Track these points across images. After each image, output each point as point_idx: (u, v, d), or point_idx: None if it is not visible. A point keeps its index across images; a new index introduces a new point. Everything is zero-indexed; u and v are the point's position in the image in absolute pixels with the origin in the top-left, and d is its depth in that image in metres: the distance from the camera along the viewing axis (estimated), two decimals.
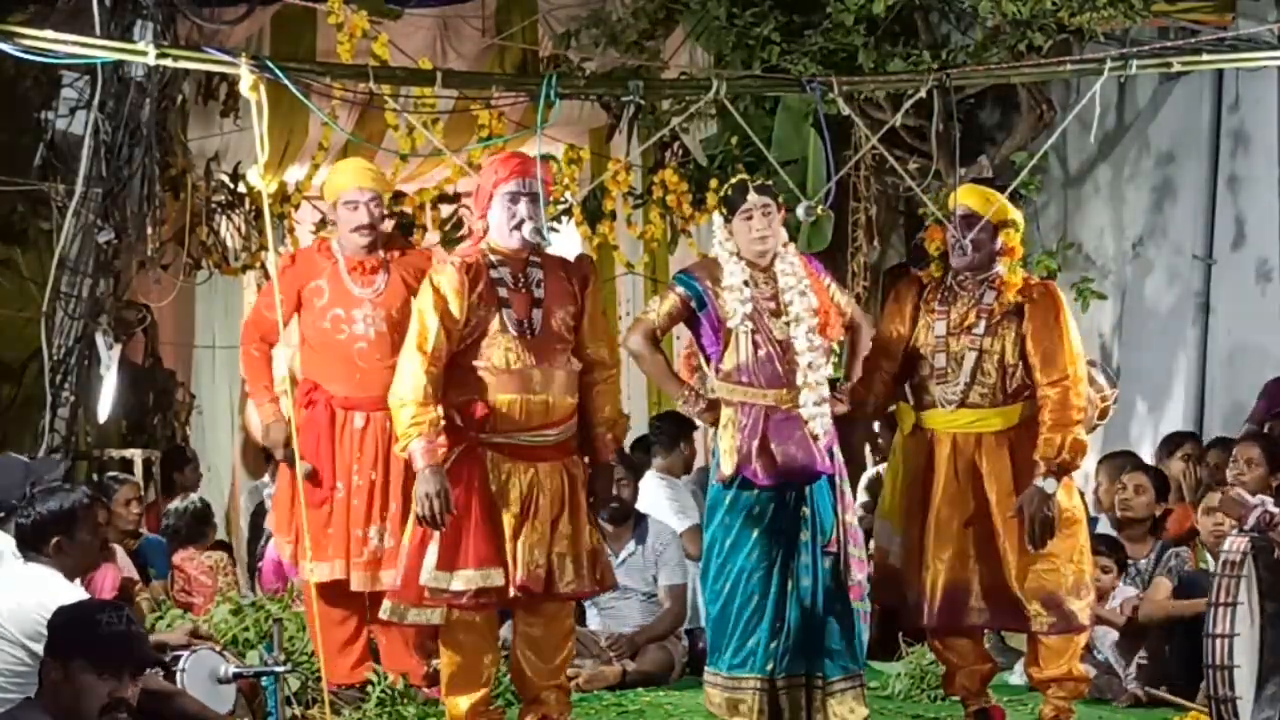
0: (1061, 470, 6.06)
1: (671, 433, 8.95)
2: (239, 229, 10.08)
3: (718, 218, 6.46)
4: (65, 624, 4.45)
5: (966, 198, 6.36)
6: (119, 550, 7.48)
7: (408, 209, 10.36)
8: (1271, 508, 6.04)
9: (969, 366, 6.18)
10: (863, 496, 8.91)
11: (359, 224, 6.77)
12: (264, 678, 5.97)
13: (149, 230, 8.71)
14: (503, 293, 5.90)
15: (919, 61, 9.23)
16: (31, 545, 5.52)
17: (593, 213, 10.73)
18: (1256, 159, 9.21)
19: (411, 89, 8.50)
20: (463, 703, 5.95)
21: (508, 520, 5.83)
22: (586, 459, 6.09)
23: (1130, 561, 7.58)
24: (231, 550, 9.68)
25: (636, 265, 11.23)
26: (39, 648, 4.68)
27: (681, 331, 6.57)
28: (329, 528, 6.71)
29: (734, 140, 10.17)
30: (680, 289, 6.33)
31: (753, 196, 6.29)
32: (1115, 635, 7.31)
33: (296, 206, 10.36)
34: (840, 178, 7.90)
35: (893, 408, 6.54)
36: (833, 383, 6.42)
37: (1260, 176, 9.18)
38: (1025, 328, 6.17)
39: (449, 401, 5.83)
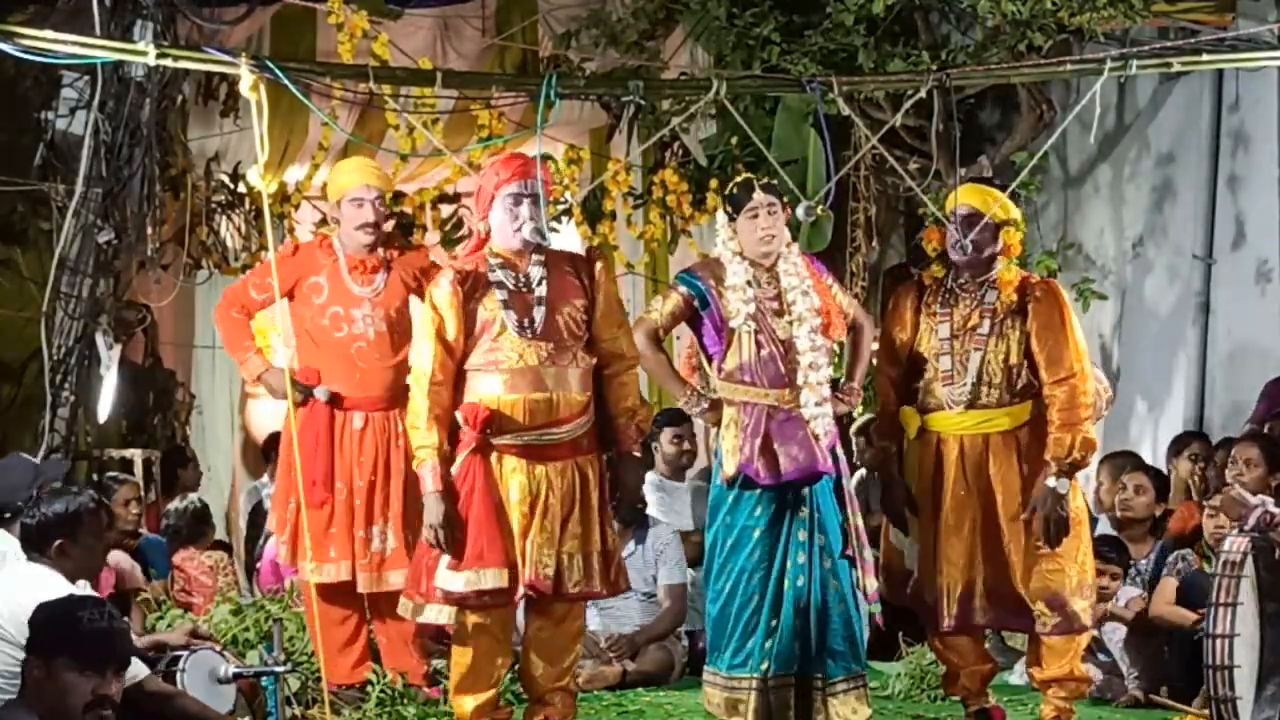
0: (1073, 469, 6.06)
1: None
2: (239, 229, 10.08)
3: (721, 216, 6.45)
4: (46, 621, 4.42)
5: (968, 197, 6.35)
6: (124, 554, 7.45)
7: (408, 209, 10.36)
8: (1272, 508, 6.05)
9: (975, 367, 6.17)
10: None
11: (364, 221, 6.77)
12: (264, 678, 5.96)
13: (149, 230, 8.71)
14: (503, 295, 5.89)
15: (919, 61, 9.23)
16: (34, 546, 5.52)
17: (593, 213, 10.72)
18: (1256, 159, 9.21)
19: (411, 89, 8.50)
20: (469, 703, 5.94)
21: (516, 520, 5.82)
22: (606, 455, 6.05)
23: (1130, 562, 7.59)
24: (232, 550, 9.68)
25: (636, 265, 11.23)
26: None
27: (682, 331, 6.56)
28: (331, 528, 6.71)
29: (734, 140, 10.17)
30: (683, 288, 6.32)
31: (759, 195, 6.28)
32: (1123, 632, 7.31)
33: (296, 206, 10.36)
34: (840, 178, 7.90)
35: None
36: (834, 383, 6.42)
37: (1260, 176, 9.18)
38: (1029, 326, 6.17)
39: (457, 403, 5.85)
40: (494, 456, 5.85)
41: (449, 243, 9.99)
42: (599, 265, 6.12)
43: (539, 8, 10.68)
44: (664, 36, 10.59)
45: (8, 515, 5.81)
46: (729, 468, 6.18)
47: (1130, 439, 9.53)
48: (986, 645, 6.73)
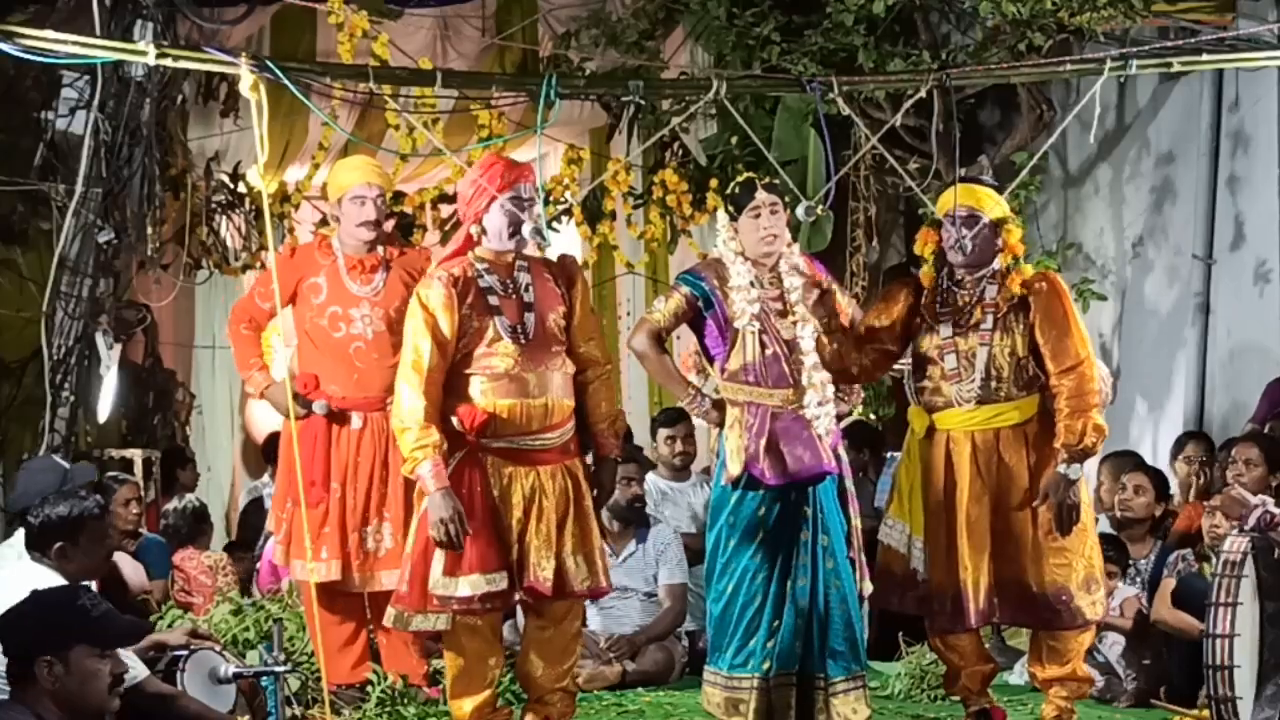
0: (1084, 455, 6.05)
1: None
2: (239, 229, 10.09)
3: (722, 216, 6.45)
4: (51, 616, 4.39)
5: (964, 198, 6.34)
6: (128, 557, 7.44)
7: (408, 209, 10.37)
8: (1272, 508, 6.04)
9: (982, 363, 6.17)
10: None
11: (365, 219, 6.76)
12: (264, 678, 5.96)
13: (149, 230, 8.72)
14: (493, 300, 5.88)
15: (919, 61, 9.23)
16: (36, 546, 5.53)
17: (593, 213, 10.73)
18: (1256, 159, 9.20)
19: (411, 89, 8.50)
20: (466, 705, 5.94)
21: (512, 524, 5.82)
22: (588, 457, 6.09)
23: (1130, 561, 7.59)
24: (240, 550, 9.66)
25: (637, 265, 11.24)
26: None
27: (683, 331, 6.56)
28: (324, 528, 6.70)
29: (734, 140, 10.17)
30: (686, 289, 6.32)
31: (761, 194, 6.28)
32: (1120, 638, 7.31)
33: (296, 206, 10.38)
34: (840, 178, 7.89)
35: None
36: (835, 383, 6.41)
37: (1260, 176, 9.17)
38: (1032, 319, 6.16)
39: (449, 409, 5.82)
40: (489, 461, 5.85)
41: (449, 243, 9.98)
42: (576, 272, 6.14)
43: (539, 8, 10.68)
44: (664, 36, 10.59)
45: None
46: (734, 468, 6.18)
47: (1130, 439, 9.53)
48: (986, 645, 6.73)
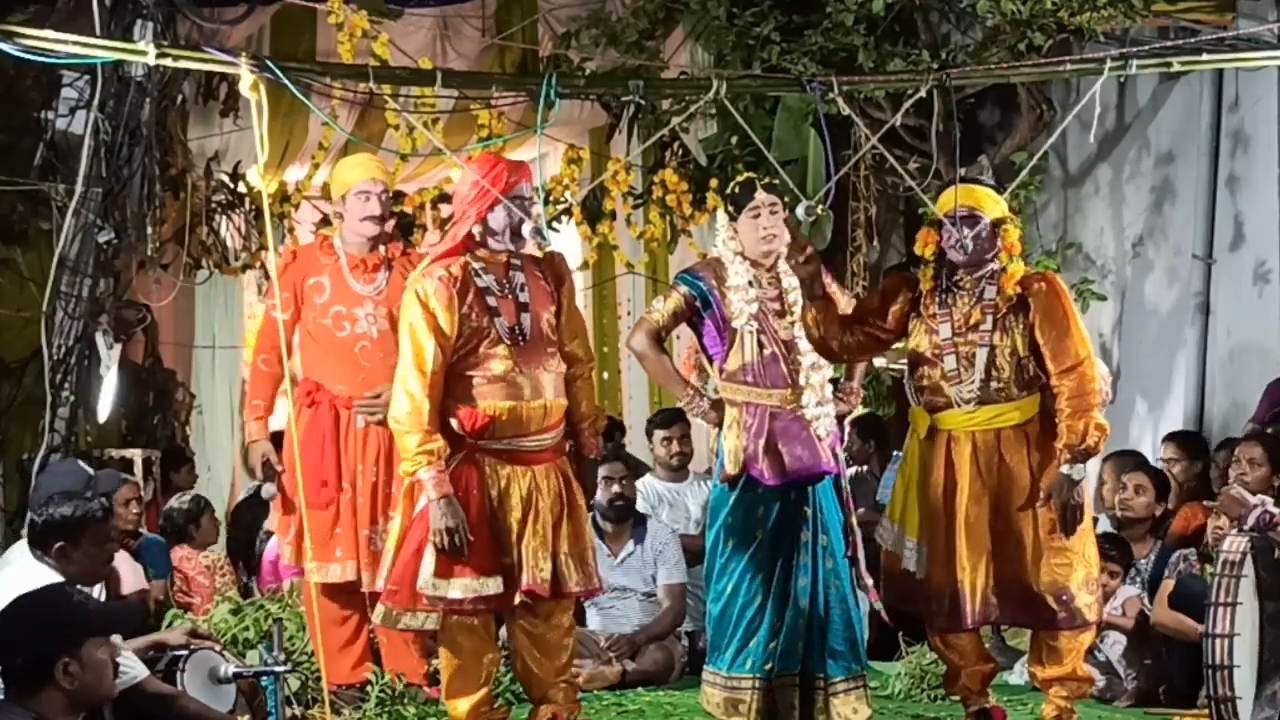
0: (1086, 455, 6.04)
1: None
2: (239, 229, 10.10)
3: (722, 215, 6.45)
4: (57, 617, 4.36)
5: (964, 198, 6.33)
6: (129, 559, 7.42)
7: (408, 209, 10.38)
8: (1272, 508, 6.04)
9: (982, 363, 6.16)
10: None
11: (370, 214, 6.76)
12: (264, 678, 5.97)
13: (149, 230, 8.72)
14: (491, 301, 5.87)
15: (919, 61, 9.23)
16: (38, 544, 5.53)
17: (593, 213, 10.73)
18: (1256, 159, 9.20)
19: (411, 89, 8.50)
20: (462, 704, 5.94)
21: (511, 525, 5.82)
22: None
23: (1131, 561, 7.59)
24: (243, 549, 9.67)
25: (637, 265, 11.24)
26: None
27: (683, 331, 6.56)
28: (336, 528, 6.70)
29: (734, 140, 10.17)
30: (685, 288, 6.32)
31: (761, 194, 6.28)
32: (1121, 638, 7.31)
33: (296, 206, 10.38)
34: (840, 178, 7.89)
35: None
36: (834, 382, 6.42)
37: (1260, 176, 9.16)
38: (1031, 319, 6.15)
39: (446, 410, 5.80)
40: (485, 463, 5.85)
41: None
42: (565, 270, 6.13)
43: (539, 8, 10.69)
44: (664, 36, 10.59)
45: None
46: (732, 468, 6.18)
47: (1130, 439, 9.52)
48: (986, 645, 6.72)
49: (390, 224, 7.04)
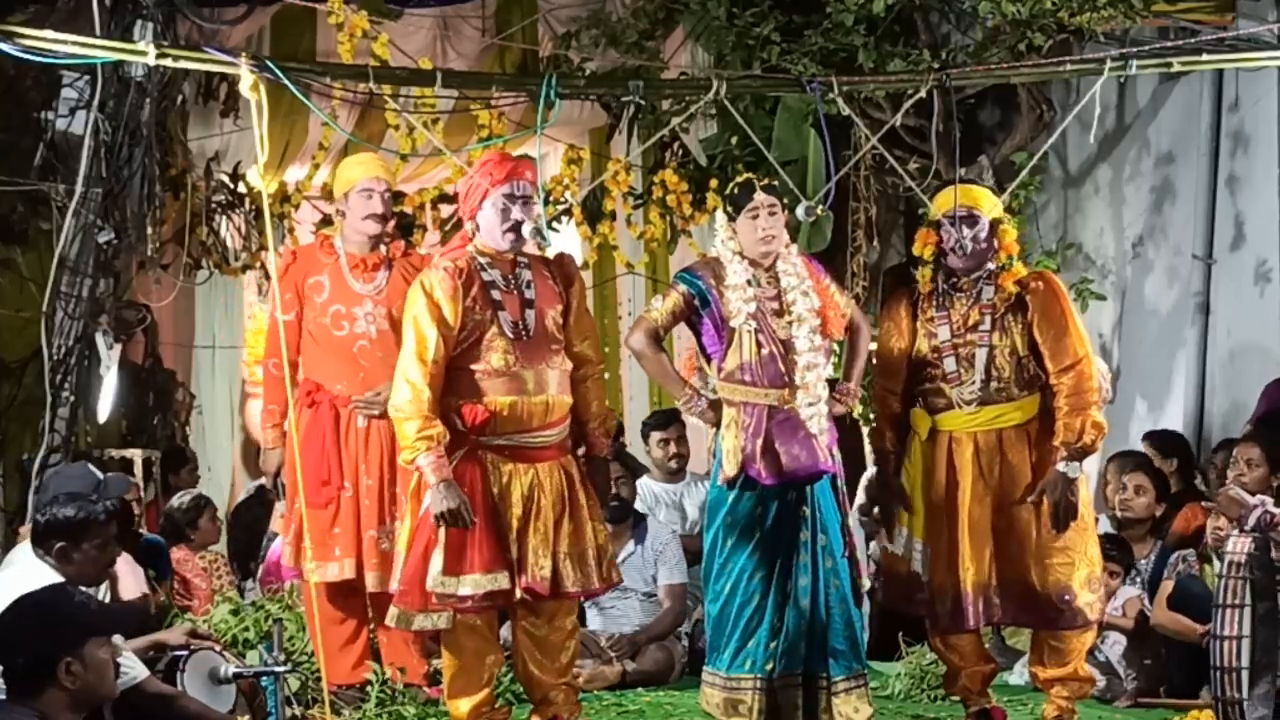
0: (1083, 453, 6.05)
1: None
2: (239, 229, 10.10)
3: (721, 216, 6.45)
4: (59, 618, 4.37)
5: (962, 198, 6.34)
6: (131, 562, 7.41)
7: (408, 209, 10.37)
8: (1271, 508, 6.04)
9: (981, 364, 6.17)
10: (860, 498, 8.90)
11: (372, 212, 6.76)
12: (264, 678, 5.97)
13: (149, 230, 8.71)
14: (496, 295, 5.89)
15: (919, 61, 9.23)
16: (39, 543, 5.54)
17: (593, 213, 10.73)
18: (1256, 159, 9.19)
19: (411, 89, 8.50)
20: (464, 704, 5.95)
21: (512, 522, 5.82)
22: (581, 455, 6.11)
23: (1131, 562, 7.59)
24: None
25: (637, 265, 11.24)
26: None
27: (682, 331, 6.56)
28: (335, 527, 6.70)
29: (734, 140, 10.17)
30: (683, 287, 6.32)
31: (760, 195, 6.28)
32: (1121, 638, 7.31)
33: (296, 206, 10.38)
34: (840, 178, 7.89)
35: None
36: (831, 383, 6.42)
37: (1260, 176, 9.16)
38: (1029, 318, 6.16)
39: (448, 405, 5.82)
40: (488, 459, 5.85)
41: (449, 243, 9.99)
42: (574, 271, 6.15)
43: (539, 8, 10.69)
44: (664, 36, 10.59)
45: None
46: (730, 468, 6.18)
47: (1130, 439, 9.50)
48: (986, 645, 6.72)
49: (392, 223, 7.04)
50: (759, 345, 6.19)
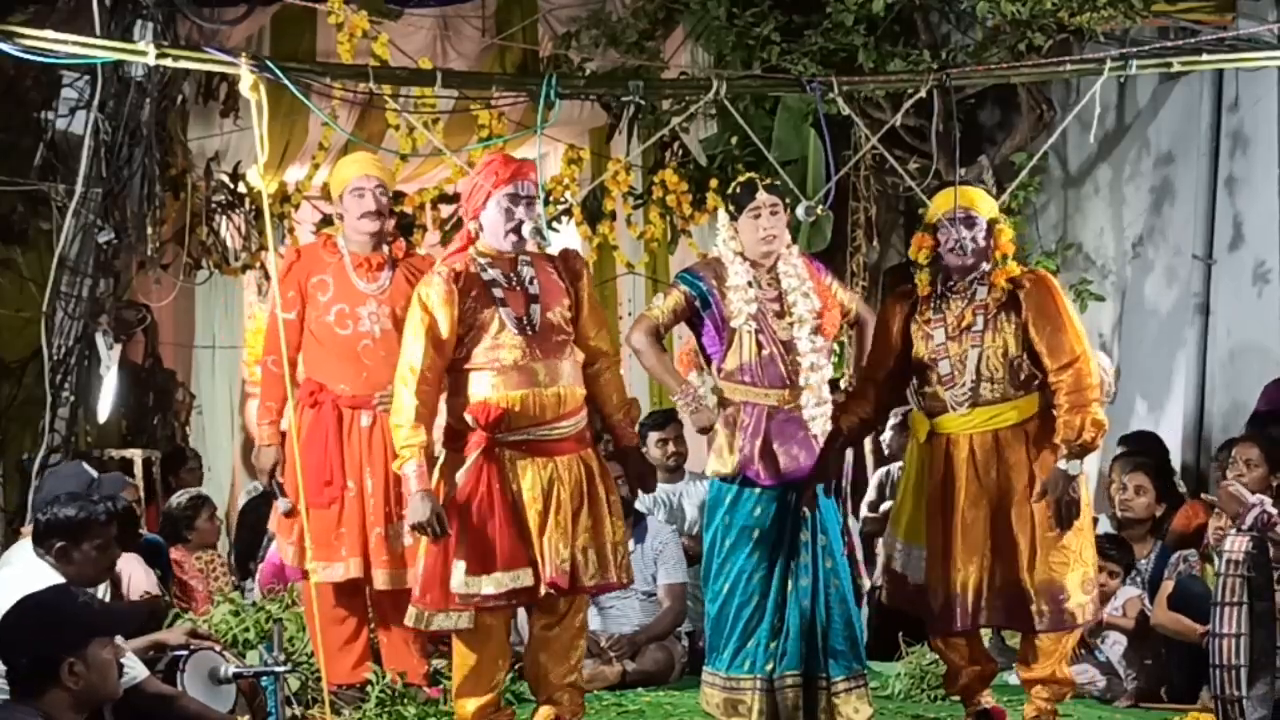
0: (1083, 450, 6.02)
1: None
2: (239, 229, 10.09)
3: (722, 215, 6.45)
4: (61, 618, 4.37)
5: (960, 199, 6.33)
6: (140, 562, 7.40)
7: (408, 209, 10.37)
8: (1269, 508, 6.04)
9: (973, 365, 6.15)
10: (871, 495, 8.91)
11: (365, 210, 6.75)
12: (264, 678, 5.97)
13: (149, 230, 8.71)
14: (498, 293, 5.88)
15: (919, 61, 9.24)
16: (40, 542, 5.53)
17: (593, 213, 10.73)
18: (1256, 159, 9.20)
19: (411, 89, 8.50)
20: (470, 705, 5.93)
21: (531, 517, 5.81)
22: (606, 451, 6.10)
23: (1131, 562, 7.59)
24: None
25: (637, 265, 11.24)
26: None
27: (682, 330, 6.56)
28: (340, 527, 6.69)
29: (734, 140, 10.18)
30: (684, 287, 6.32)
31: (762, 195, 6.28)
32: (1121, 638, 7.32)
33: (296, 206, 10.38)
34: (840, 178, 7.90)
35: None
36: (833, 383, 6.42)
37: (1260, 177, 9.17)
38: (1024, 317, 6.14)
39: (461, 405, 5.82)
40: (505, 456, 5.84)
41: (449, 243, 9.98)
42: (580, 266, 6.14)
43: (539, 8, 10.69)
44: (664, 36, 10.60)
45: None
46: (728, 466, 6.18)
47: None
48: (986, 645, 6.73)
49: (391, 221, 7.03)
50: (760, 346, 6.20)
